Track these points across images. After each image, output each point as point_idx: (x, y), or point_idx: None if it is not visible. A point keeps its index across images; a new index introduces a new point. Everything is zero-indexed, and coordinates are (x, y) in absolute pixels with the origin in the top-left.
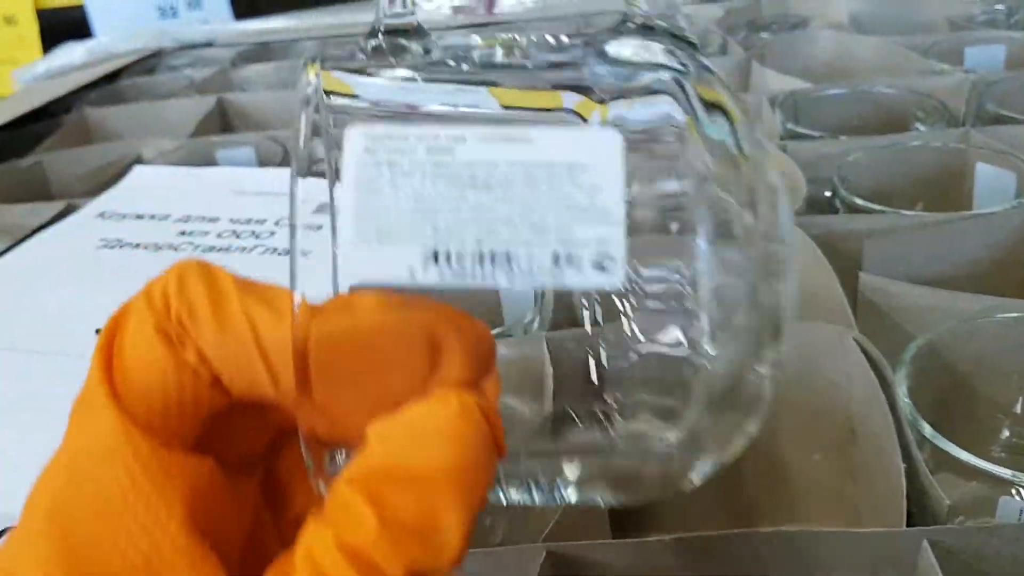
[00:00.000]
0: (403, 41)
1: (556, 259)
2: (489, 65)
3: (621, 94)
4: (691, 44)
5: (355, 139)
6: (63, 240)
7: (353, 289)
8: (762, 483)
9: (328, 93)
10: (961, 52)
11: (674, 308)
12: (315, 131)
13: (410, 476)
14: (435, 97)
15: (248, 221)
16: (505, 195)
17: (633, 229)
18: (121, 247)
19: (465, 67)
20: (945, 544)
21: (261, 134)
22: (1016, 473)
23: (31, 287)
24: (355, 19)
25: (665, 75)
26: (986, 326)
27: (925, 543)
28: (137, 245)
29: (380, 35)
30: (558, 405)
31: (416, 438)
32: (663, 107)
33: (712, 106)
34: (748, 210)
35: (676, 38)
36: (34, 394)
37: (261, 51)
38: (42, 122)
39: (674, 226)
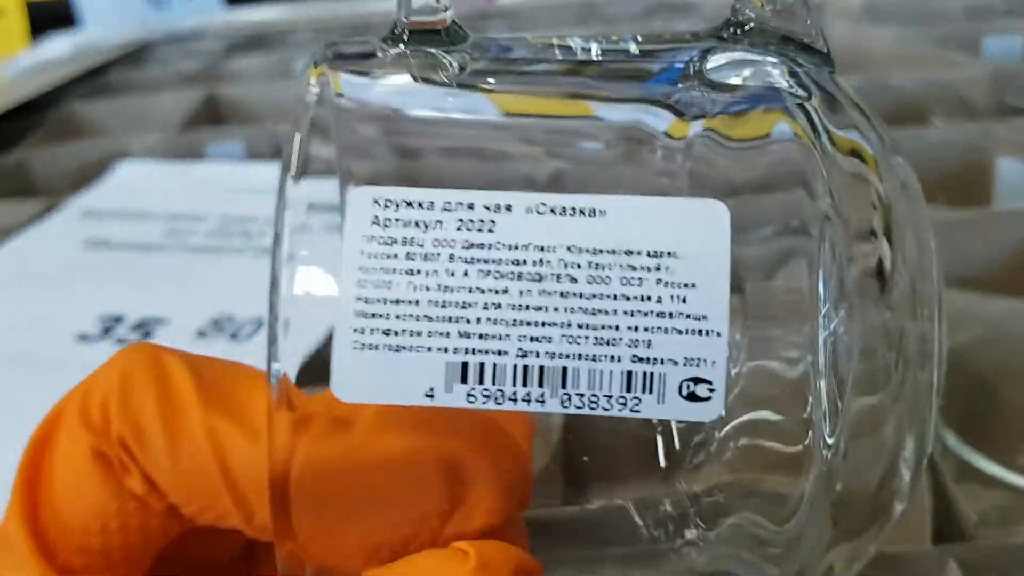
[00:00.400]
0: (434, 51)
1: (629, 381)
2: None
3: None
4: (823, 56)
5: (361, 206)
6: (43, 241)
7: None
8: None
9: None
10: (979, 42)
11: (787, 381)
12: (320, 135)
13: None
14: (423, 101)
15: (239, 219)
16: (562, 291)
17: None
18: (105, 248)
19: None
20: (973, 563)
21: (253, 128)
22: None
23: (9, 291)
24: (355, 9)
25: (783, 102)
26: (1013, 331)
27: (952, 563)
28: (121, 246)
29: (404, 41)
30: (603, 496)
31: None
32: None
33: (843, 145)
34: (894, 254)
35: (803, 49)
36: (10, 402)
37: (254, 42)
38: (27, 117)
39: (788, 279)
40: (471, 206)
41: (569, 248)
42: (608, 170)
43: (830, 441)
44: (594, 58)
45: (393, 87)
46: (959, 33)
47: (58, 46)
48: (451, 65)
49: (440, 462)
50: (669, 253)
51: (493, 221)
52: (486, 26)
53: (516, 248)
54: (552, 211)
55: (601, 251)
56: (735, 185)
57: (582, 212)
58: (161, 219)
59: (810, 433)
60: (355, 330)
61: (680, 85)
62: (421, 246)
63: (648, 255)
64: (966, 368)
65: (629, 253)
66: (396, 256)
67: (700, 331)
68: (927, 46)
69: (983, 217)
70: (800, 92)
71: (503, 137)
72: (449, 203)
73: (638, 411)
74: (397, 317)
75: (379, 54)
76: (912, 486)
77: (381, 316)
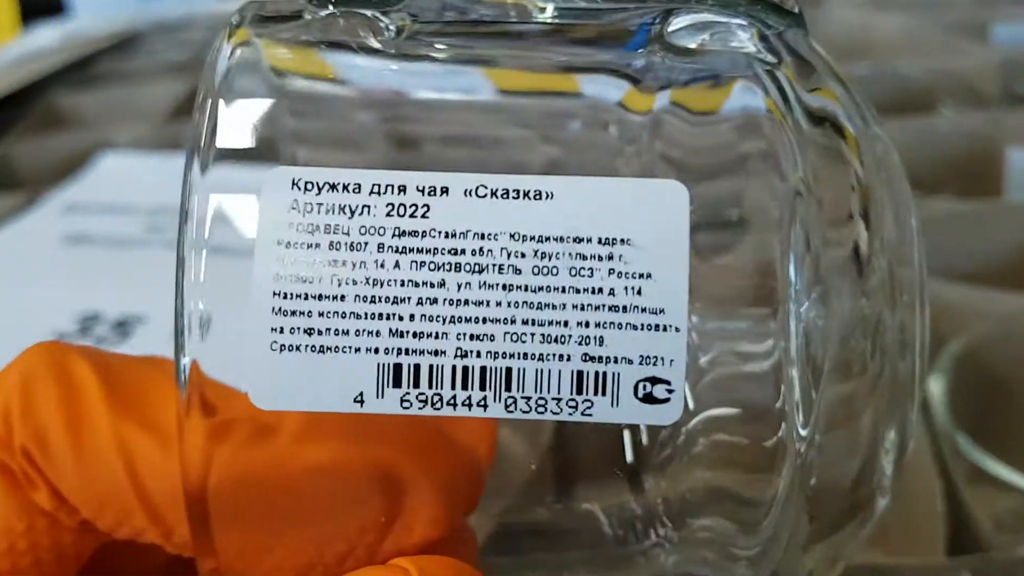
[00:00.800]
0: (368, 12)
1: (580, 383)
2: (493, 33)
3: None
4: (795, 17)
5: (278, 189)
6: (21, 236)
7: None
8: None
9: (277, 72)
10: (987, 29)
11: (756, 370)
12: (269, 122)
13: None
14: (423, 80)
15: None
16: (505, 283)
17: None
18: (84, 244)
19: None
20: (988, 575)
21: None
22: None
23: None
24: None
25: (752, 67)
26: None
27: (966, 575)
28: (102, 241)
29: (332, 1)
30: (568, 497)
31: None
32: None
33: (818, 119)
34: (872, 238)
35: (774, 9)
36: None
37: None
38: (11, 108)
39: (758, 262)
40: (402, 189)
41: (512, 235)
42: (580, 153)
43: (804, 433)
44: (549, 20)
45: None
46: (967, 20)
47: (45, 36)
48: (388, 29)
49: (374, 471)
50: (623, 240)
51: (427, 206)
52: None
53: (453, 236)
54: (493, 194)
55: (548, 238)
56: (701, 165)
57: (526, 195)
58: (143, 213)
59: (783, 425)
60: (273, 329)
61: (641, 50)
62: (347, 234)
63: (599, 242)
64: (978, 367)
65: (578, 241)
66: (318, 246)
67: (657, 326)
68: (935, 33)
69: (992, 209)
70: (770, 58)
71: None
72: (378, 185)
73: (590, 415)
74: (320, 314)
75: (306, 15)
76: (894, 480)
77: (302, 313)
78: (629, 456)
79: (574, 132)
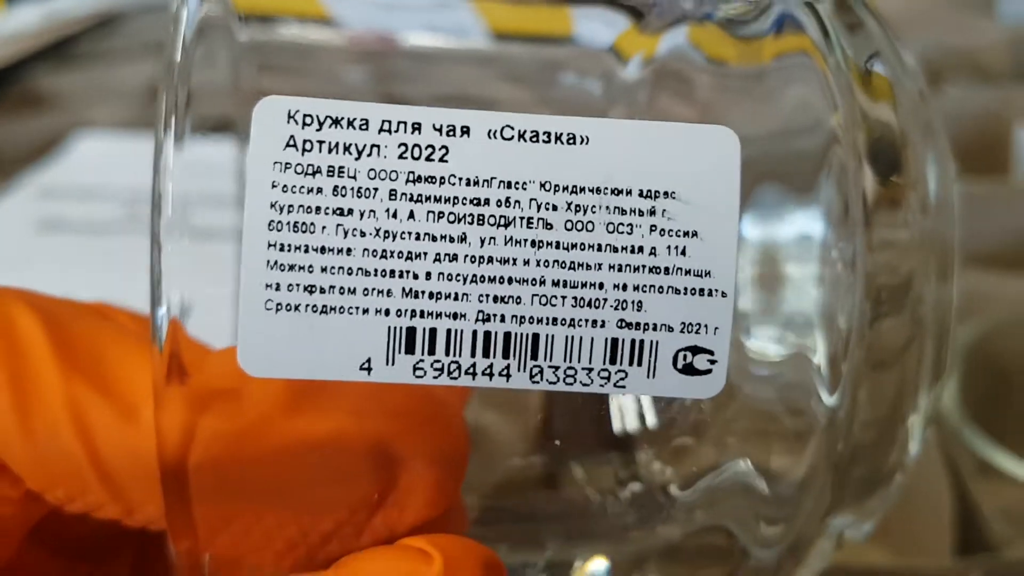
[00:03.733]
0: None
1: (615, 351)
2: None
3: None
4: None
5: (271, 123)
6: None
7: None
8: None
9: (244, 18)
10: (993, 4)
11: (780, 325)
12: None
13: None
14: (413, 17)
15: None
16: (534, 239)
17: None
18: (59, 230)
19: None
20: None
21: None
22: None
23: None
24: None
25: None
26: None
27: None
28: (78, 227)
29: None
30: (555, 457)
31: None
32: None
33: (863, 73)
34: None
35: None
36: None
37: None
38: None
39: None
40: (417, 127)
41: (542, 184)
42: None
43: (830, 401)
44: None
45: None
46: None
47: (25, 17)
48: None
49: (368, 445)
50: (666, 193)
51: (446, 148)
52: None
53: (476, 183)
54: (521, 136)
55: (582, 189)
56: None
57: (559, 139)
58: (121, 198)
59: (810, 393)
60: (267, 286)
61: None
62: (353, 178)
63: (640, 195)
64: (986, 354)
65: (617, 193)
66: (320, 191)
67: (702, 290)
68: (942, 9)
69: (1001, 191)
70: None
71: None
72: (389, 122)
73: (623, 386)
74: (323, 270)
75: None
76: (917, 451)
77: (302, 269)
78: (630, 424)
79: (565, 90)
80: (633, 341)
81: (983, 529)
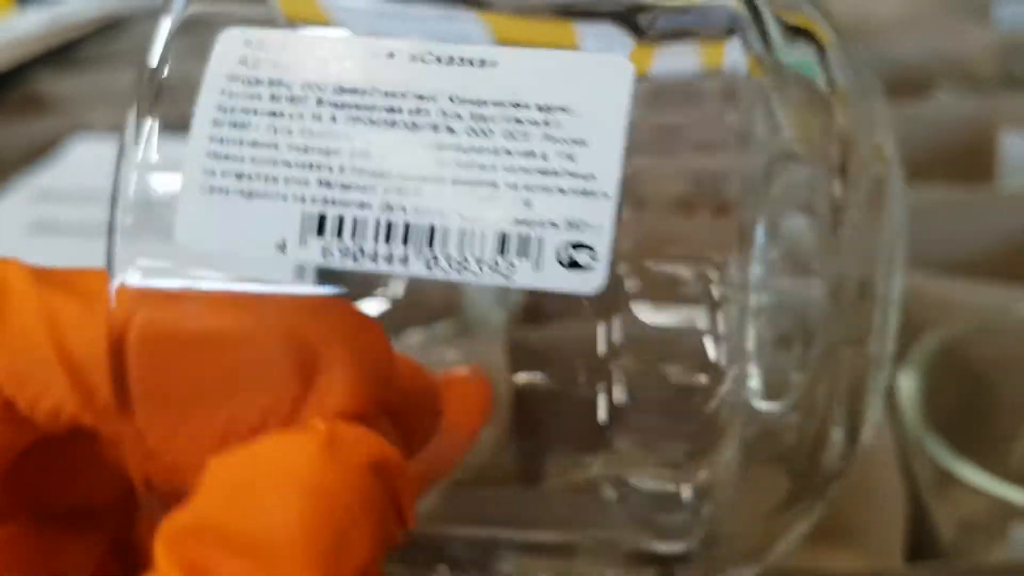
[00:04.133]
0: None
1: (504, 244)
2: None
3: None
4: None
5: (230, 46)
6: None
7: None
8: None
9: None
10: (989, 9)
11: (704, 328)
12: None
13: (244, 539)
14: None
15: None
16: (438, 143)
17: (646, 207)
18: (52, 232)
19: None
20: None
21: None
22: None
23: None
24: None
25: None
26: (1007, 321)
27: None
28: (70, 229)
29: None
30: (521, 447)
31: (258, 484)
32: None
33: (795, 30)
34: (838, 178)
35: None
36: None
37: None
38: None
39: (714, 209)
40: (351, 50)
41: (451, 98)
42: None
43: (750, 397)
44: None
45: None
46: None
47: (31, 20)
48: None
49: (288, 339)
50: (561, 108)
51: (373, 68)
52: None
53: (392, 95)
54: (438, 60)
55: (486, 102)
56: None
57: (471, 62)
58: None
59: (727, 388)
60: (206, 171)
61: None
62: (288, 88)
63: (537, 108)
64: (957, 361)
65: (517, 106)
66: (260, 97)
67: (586, 191)
68: (936, 14)
69: (981, 198)
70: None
71: None
72: (327, 46)
73: (511, 278)
74: (252, 160)
75: None
76: (845, 463)
77: (235, 158)
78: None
79: None
80: (521, 235)
81: (937, 538)
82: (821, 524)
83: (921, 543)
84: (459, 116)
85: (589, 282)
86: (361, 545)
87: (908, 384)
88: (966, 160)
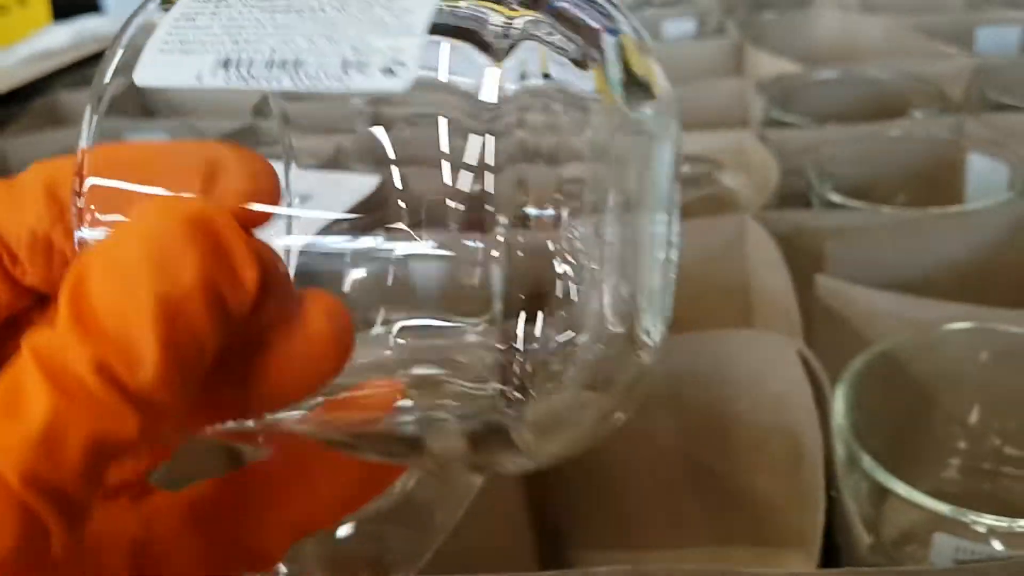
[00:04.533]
0: None
1: (345, 64)
2: None
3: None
4: None
5: None
6: None
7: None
8: (712, 504)
9: None
10: (973, 34)
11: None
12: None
13: (112, 264)
14: None
15: None
16: (313, 18)
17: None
18: None
19: None
20: None
21: (177, 121)
22: (957, 509)
23: None
24: None
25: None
26: (944, 335)
27: None
28: None
29: None
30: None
31: (120, 234)
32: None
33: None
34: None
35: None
36: None
37: None
38: (11, 106)
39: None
40: None
41: None
42: None
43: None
44: None
45: None
46: (955, 23)
47: (57, 35)
48: None
49: (196, 151)
50: None
51: None
52: None
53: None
54: None
55: None
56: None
57: None
58: None
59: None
60: (162, 42)
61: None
62: (228, 5)
63: None
64: (897, 373)
65: None
66: (207, 3)
67: (404, 33)
68: (917, 37)
69: (940, 217)
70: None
71: None
72: None
73: (348, 86)
74: (193, 33)
75: None
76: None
77: (181, 34)
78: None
79: None
80: (357, 60)
81: (855, 549)
82: (786, 536)
83: (840, 554)
84: (331, 3)
85: (399, 84)
86: (209, 294)
87: (841, 398)
88: (934, 180)
